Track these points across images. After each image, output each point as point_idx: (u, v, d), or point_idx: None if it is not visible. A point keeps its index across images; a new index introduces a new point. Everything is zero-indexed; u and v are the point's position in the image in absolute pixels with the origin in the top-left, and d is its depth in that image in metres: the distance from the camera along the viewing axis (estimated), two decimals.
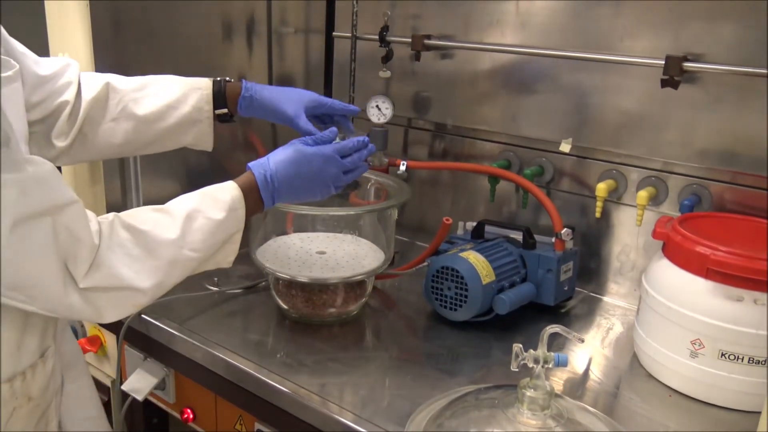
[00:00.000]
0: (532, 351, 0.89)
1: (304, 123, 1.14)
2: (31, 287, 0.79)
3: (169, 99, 1.13)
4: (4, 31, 0.95)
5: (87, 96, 1.08)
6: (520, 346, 0.88)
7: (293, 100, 1.16)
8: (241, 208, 0.96)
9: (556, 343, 1.21)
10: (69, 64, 1.08)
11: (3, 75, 0.85)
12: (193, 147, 1.19)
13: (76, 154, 1.10)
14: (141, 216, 0.90)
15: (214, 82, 1.17)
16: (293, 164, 1.01)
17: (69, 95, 1.06)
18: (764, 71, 1.14)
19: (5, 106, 0.80)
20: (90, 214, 0.84)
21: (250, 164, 1.01)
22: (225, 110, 1.16)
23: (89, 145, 1.10)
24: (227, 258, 0.99)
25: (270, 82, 1.59)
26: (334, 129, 1.08)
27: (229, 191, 0.96)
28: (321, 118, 1.22)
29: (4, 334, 0.84)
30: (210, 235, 0.93)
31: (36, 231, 0.76)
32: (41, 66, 1.04)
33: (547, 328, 0.89)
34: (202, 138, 1.17)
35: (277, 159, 1.01)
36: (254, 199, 0.99)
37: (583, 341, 0.94)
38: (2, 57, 0.88)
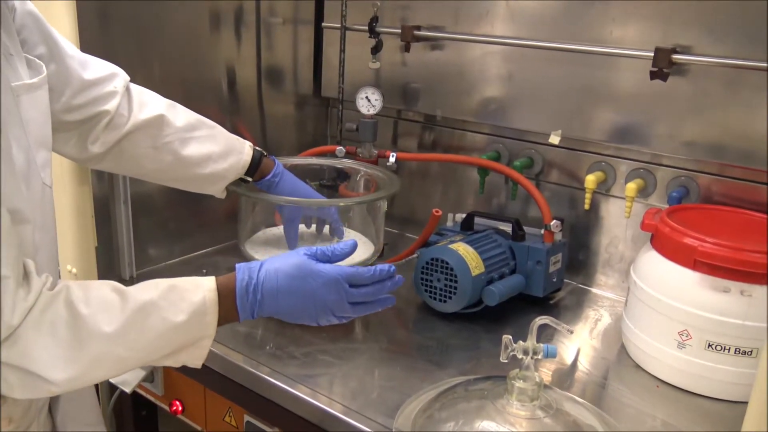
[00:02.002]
0: (521, 342, 0.89)
1: (294, 230, 1.23)
2: None
3: (212, 150, 1.15)
4: (55, 32, 0.95)
5: (139, 116, 1.09)
6: (510, 337, 0.89)
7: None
8: (212, 314, 0.85)
9: (545, 334, 1.21)
10: (116, 74, 1.08)
11: (28, 82, 0.84)
12: (202, 192, 1.21)
13: (106, 163, 1.11)
14: (92, 294, 0.80)
15: (255, 150, 1.20)
16: (287, 277, 0.89)
17: (111, 105, 1.06)
18: (753, 63, 1.14)
19: (26, 115, 0.80)
20: (35, 283, 0.76)
21: (238, 265, 0.91)
22: (250, 178, 1.20)
23: (122, 160, 1.11)
24: (193, 361, 0.87)
25: (258, 74, 1.58)
26: (351, 242, 0.96)
27: (202, 291, 0.85)
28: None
29: None
30: (160, 336, 0.82)
31: None
32: (88, 69, 1.04)
33: (537, 319, 0.90)
34: (217, 191, 1.20)
35: (270, 267, 0.90)
36: (230, 306, 0.87)
37: (572, 332, 0.95)
38: (33, 60, 0.88)
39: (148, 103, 1.11)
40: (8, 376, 0.76)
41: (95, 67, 1.06)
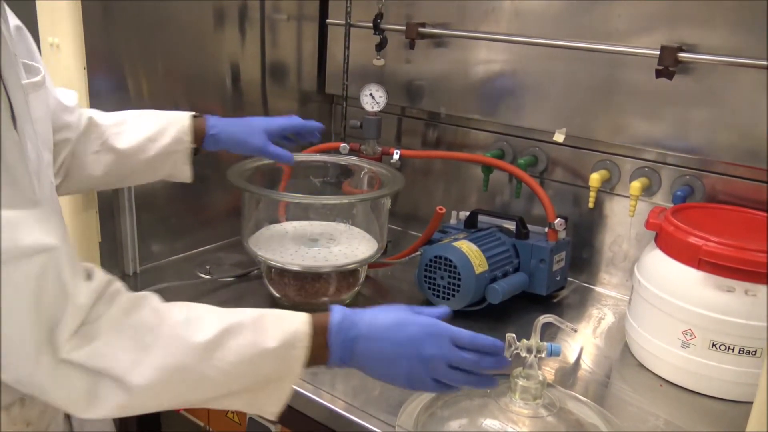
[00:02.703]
0: (525, 340, 0.89)
1: (273, 149, 1.18)
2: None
3: (148, 132, 1.13)
4: (37, 50, 0.93)
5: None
6: (513, 335, 0.88)
7: (257, 131, 1.18)
8: (302, 347, 0.76)
9: (548, 333, 1.21)
10: (76, 102, 1.08)
11: (33, 80, 0.83)
12: (171, 179, 1.18)
13: (64, 189, 1.09)
14: (179, 306, 0.75)
15: (193, 116, 1.17)
16: (387, 319, 0.81)
17: (74, 133, 1.06)
18: (759, 62, 1.13)
19: (33, 114, 0.78)
20: (96, 271, 0.71)
21: (334, 306, 0.83)
22: (194, 145, 1.16)
23: (70, 178, 1.09)
24: (270, 405, 0.77)
25: (263, 70, 1.58)
26: (446, 309, 0.85)
27: (295, 321, 0.78)
28: (289, 138, 1.26)
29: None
30: (247, 362, 0.73)
31: (18, 274, 0.63)
32: (62, 95, 1.04)
33: (541, 317, 0.89)
34: (180, 169, 1.17)
35: (369, 310, 0.83)
36: (322, 344, 0.78)
37: (576, 331, 0.94)
38: (29, 64, 0.87)
39: (79, 114, 1.10)
40: (72, 381, 0.67)
41: (63, 93, 1.06)
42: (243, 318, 0.76)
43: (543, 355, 0.88)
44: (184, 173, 1.18)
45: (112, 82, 1.27)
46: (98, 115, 1.12)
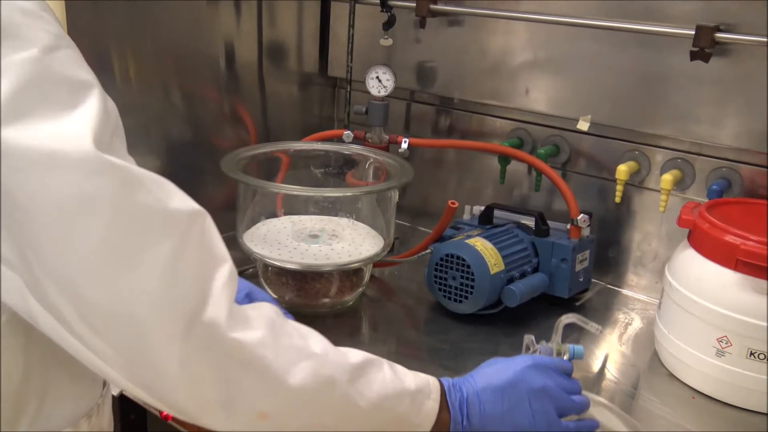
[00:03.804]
0: (544, 342, 0.89)
1: None
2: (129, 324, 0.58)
3: None
4: None
5: None
6: (532, 337, 0.89)
7: None
8: (434, 401, 0.78)
9: (570, 338, 1.21)
10: None
11: None
12: None
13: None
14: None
15: None
16: (502, 372, 0.83)
17: None
18: None
19: None
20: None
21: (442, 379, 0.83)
22: None
23: None
24: None
25: (260, 50, 1.58)
26: (570, 364, 0.89)
27: (426, 375, 0.80)
28: None
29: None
30: (390, 397, 0.73)
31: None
32: None
33: (563, 317, 0.90)
34: None
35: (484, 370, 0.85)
36: (443, 403, 0.80)
37: (601, 331, 0.94)
38: None
39: None
40: (238, 379, 0.62)
41: None
42: (377, 357, 0.76)
43: (565, 358, 0.89)
44: None
45: (95, 62, 1.27)
46: None
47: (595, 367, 1.17)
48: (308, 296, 1.24)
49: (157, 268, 0.57)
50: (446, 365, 1.13)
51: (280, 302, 1.27)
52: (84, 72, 0.61)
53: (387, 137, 1.49)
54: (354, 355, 0.73)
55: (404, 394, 0.75)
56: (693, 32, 1.20)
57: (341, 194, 1.38)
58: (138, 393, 0.61)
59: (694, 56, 1.22)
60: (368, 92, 1.50)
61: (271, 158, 1.35)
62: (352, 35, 1.63)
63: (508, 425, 0.80)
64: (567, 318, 0.90)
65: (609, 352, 1.22)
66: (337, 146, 1.44)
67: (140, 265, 0.57)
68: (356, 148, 1.42)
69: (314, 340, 0.71)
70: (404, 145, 1.46)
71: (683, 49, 1.22)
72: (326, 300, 1.25)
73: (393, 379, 0.75)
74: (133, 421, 1.43)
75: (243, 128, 1.58)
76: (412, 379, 0.77)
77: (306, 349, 0.68)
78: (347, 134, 1.50)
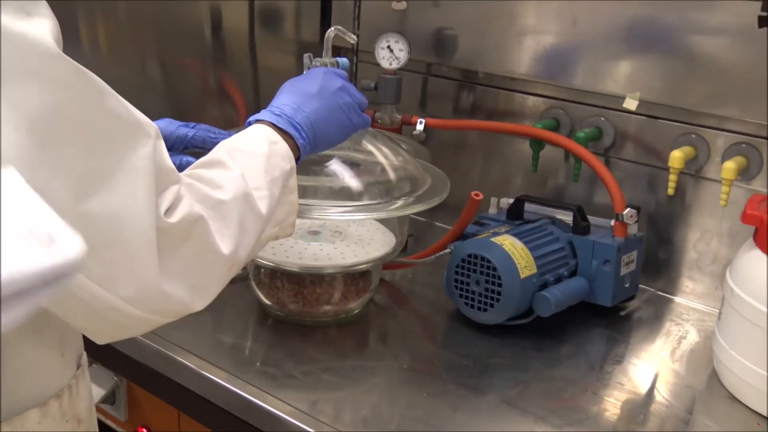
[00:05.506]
0: (319, 57, 1.12)
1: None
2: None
3: None
4: None
5: None
6: (310, 54, 1.16)
7: None
8: (281, 141, 0.97)
9: (613, 354, 1.20)
10: None
11: None
12: None
13: None
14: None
15: None
16: (300, 79, 1.08)
17: None
18: None
19: None
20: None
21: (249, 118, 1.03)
22: None
23: None
24: (289, 218, 0.97)
25: (251, 16, 1.58)
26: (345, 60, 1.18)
27: (256, 127, 0.99)
28: None
29: (48, 335, 0.80)
30: (263, 170, 0.92)
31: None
32: None
33: (329, 31, 1.14)
34: None
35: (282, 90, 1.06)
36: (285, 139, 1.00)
37: (354, 41, 1.21)
38: None
39: None
40: (181, 270, 0.76)
41: None
42: (228, 143, 0.93)
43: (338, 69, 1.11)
44: None
45: (60, 27, 1.28)
46: None
47: (644, 388, 1.16)
48: (307, 303, 1.24)
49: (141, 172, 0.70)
50: (468, 384, 1.13)
51: (274, 309, 1.27)
52: None
53: (399, 117, 1.49)
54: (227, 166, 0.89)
55: (269, 158, 0.93)
56: None
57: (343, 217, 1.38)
58: (117, 312, 0.70)
59: (762, 23, 1.20)
60: (378, 64, 1.50)
61: None
62: None
63: (333, 125, 1.06)
64: (331, 31, 1.19)
65: (660, 370, 1.21)
66: None
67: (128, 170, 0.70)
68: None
69: (213, 178, 0.86)
70: (420, 127, 1.46)
71: (750, 14, 1.21)
72: (328, 307, 1.25)
73: (254, 155, 0.92)
74: None
75: (231, 105, 1.59)
76: (260, 141, 0.95)
77: (211, 202, 0.83)
78: None
